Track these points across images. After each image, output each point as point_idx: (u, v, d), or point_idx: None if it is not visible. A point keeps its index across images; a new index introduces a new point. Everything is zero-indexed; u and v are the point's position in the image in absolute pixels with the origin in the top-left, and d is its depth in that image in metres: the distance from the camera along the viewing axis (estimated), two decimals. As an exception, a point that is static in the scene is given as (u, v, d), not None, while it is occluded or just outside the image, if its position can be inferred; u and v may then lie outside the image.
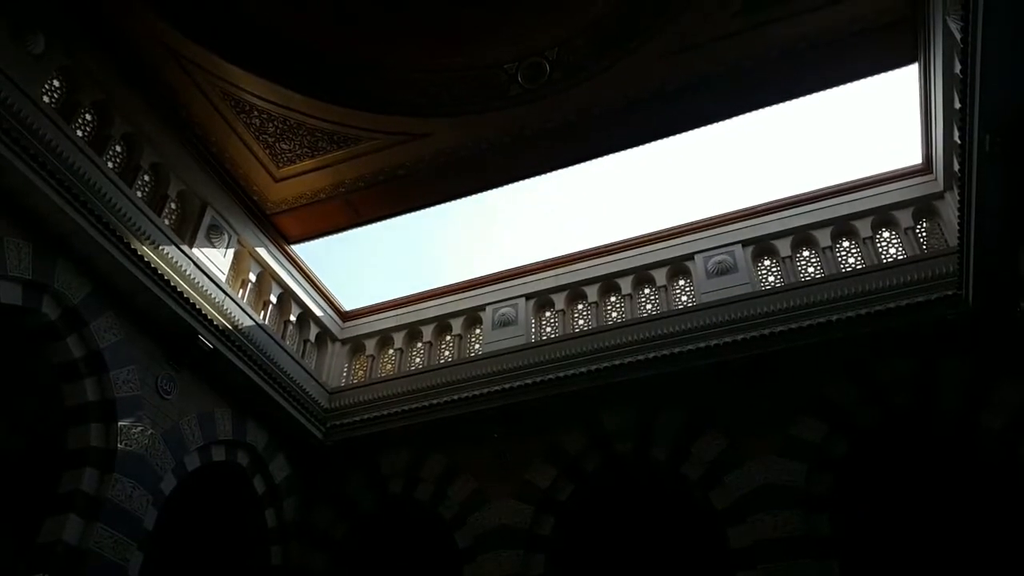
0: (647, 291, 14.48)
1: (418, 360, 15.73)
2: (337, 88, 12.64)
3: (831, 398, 11.65)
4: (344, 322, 16.79)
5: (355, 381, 15.97)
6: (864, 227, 13.23)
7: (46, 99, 10.91)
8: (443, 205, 15.14)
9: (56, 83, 11.28)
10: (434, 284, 16.56)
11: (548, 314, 15.14)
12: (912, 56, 11.88)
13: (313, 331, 15.98)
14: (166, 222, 12.55)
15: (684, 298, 14.05)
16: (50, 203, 9.96)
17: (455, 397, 13.79)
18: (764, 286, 13.36)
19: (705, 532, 12.38)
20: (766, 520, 10.93)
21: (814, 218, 13.60)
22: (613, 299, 14.71)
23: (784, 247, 13.62)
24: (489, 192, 14.83)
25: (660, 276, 14.35)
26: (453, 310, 15.82)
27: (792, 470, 11.22)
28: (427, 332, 15.87)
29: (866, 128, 29.78)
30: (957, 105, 9.15)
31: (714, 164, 30.08)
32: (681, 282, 14.30)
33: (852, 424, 11.51)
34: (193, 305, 11.92)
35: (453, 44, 12.14)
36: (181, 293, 11.74)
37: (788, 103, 12.92)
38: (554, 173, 14.36)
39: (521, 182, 14.56)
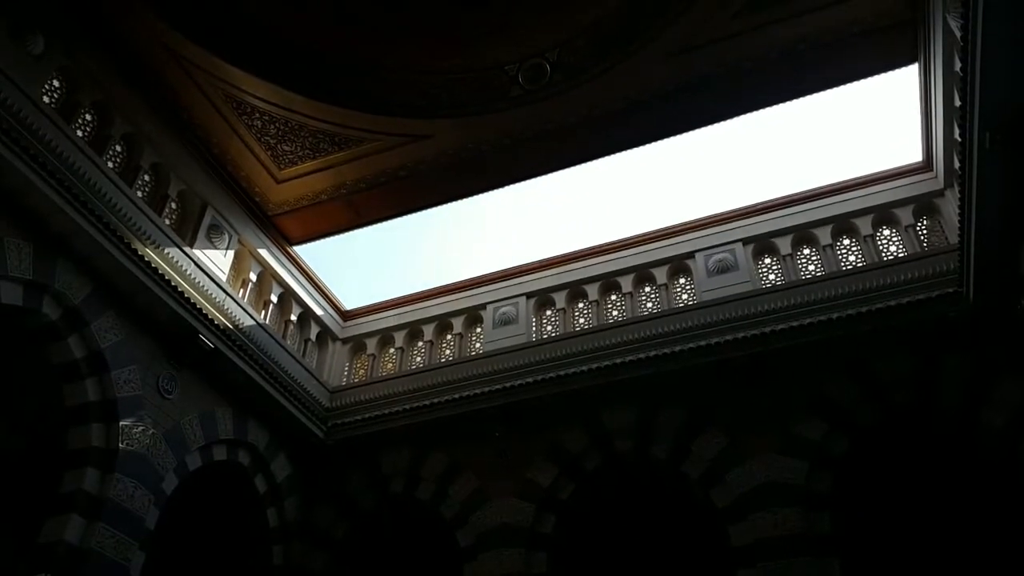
0: (648, 289, 14.48)
1: (419, 359, 15.74)
2: (339, 90, 12.65)
3: (832, 396, 11.65)
4: (345, 321, 16.79)
5: (356, 380, 15.98)
6: (864, 225, 13.22)
7: (46, 99, 10.91)
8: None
9: (56, 83, 11.28)
10: (435, 283, 16.57)
11: (549, 313, 15.15)
12: (912, 56, 11.87)
13: (314, 330, 15.99)
14: (166, 222, 12.55)
15: (685, 296, 14.05)
16: (50, 203, 9.97)
17: (456, 396, 13.79)
18: (764, 284, 13.35)
19: (706, 530, 12.38)
20: (767, 518, 10.94)
21: (814, 216, 13.59)
22: (614, 298, 14.71)
23: (784, 245, 13.61)
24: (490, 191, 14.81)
25: (661, 274, 14.35)
26: (454, 309, 15.82)
27: (793, 468, 11.23)
28: (428, 331, 15.87)
29: (866, 126, 29.79)
30: (957, 103, 9.15)
31: (714, 162, 30.09)
32: (682, 280, 14.31)
33: (853, 422, 11.51)
34: (194, 305, 11.92)
35: (454, 45, 12.16)
36: (182, 293, 11.75)
37: (788, 103, 12.91)
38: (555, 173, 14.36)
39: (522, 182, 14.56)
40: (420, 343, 15.94)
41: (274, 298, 15.02)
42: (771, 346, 11.95)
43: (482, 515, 12.82)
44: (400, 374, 15.28)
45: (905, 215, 13.00)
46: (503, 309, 15.18)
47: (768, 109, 13.03)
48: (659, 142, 13.67)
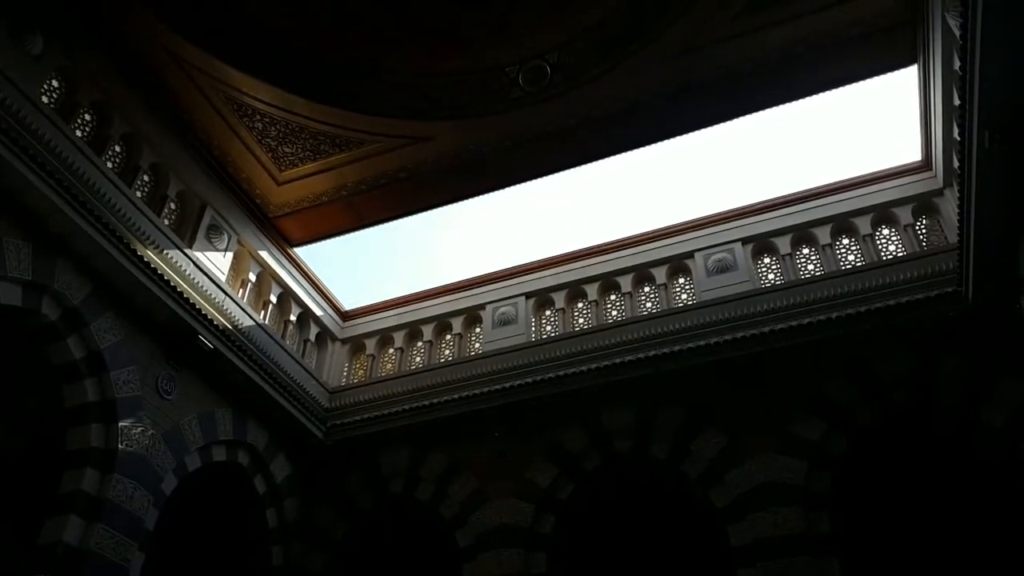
0: (647, 289, 14.48)
1: (418, 359, 15.74)
2: (339, 92, 12.66)
3: (831, 396, 11.65)
4: (344, 322, 16.79)
5: (355, 381, 15.97)
6: (864, 224, 13.22)
7: (45, 99, 10.90)
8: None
9: (55, 83, 11.27)
10: (434, 283, 16.57)
11: (548, 313, 15.15)
12: (911, 58, 11.87)
13: (313, 331, 15.98)
14: (165, 222, 12.55)
15: (684, 296, 14.05)
16: (49, 203, 9.96)
17: (455, 396, 13.79)
18: (764, 284, 13.36)
19: (705, 530, 12.38)
20: (766, 518, 10.94)
21: (814, 215, 13.59)
22: (613, 297, 14.71)
23: (784, 245, 13.61)
24: (489, 191, 14.81)
25: (660, 274, 14.35)
26: (453, 309, 15.82)
27: (792, 468, 11.23)
28: (427, 331, 15.87)
29: (865, 125, 29.79)
30: (956, 102, 9.15)
31: (714, 162, 30.09)
32: (681, 280, 14.30)
33: (852, 422, 11.51)
34: (193, 305, 11.92)
35: (454, 47, 12.19)
36: (181, 293, 11.74)
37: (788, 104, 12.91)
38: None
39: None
40: (419, 343, 15.94)
41: (273, 298, 15.01)
42: (770, 346, 11.95)
43: (481, 515, 12.82)
44: (399, 374, 15.28)
45: (904, 214, 13.00)
46: (502, 309, 15.18)
47: (767, 110, 13.02)
48: (659, 143, 13.68)
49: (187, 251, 12.49)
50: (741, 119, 13.18)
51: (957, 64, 8.57)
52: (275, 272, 15.00)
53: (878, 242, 13.06)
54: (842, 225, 13.41)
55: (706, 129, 13.38)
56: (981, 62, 7.80)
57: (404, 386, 14.68)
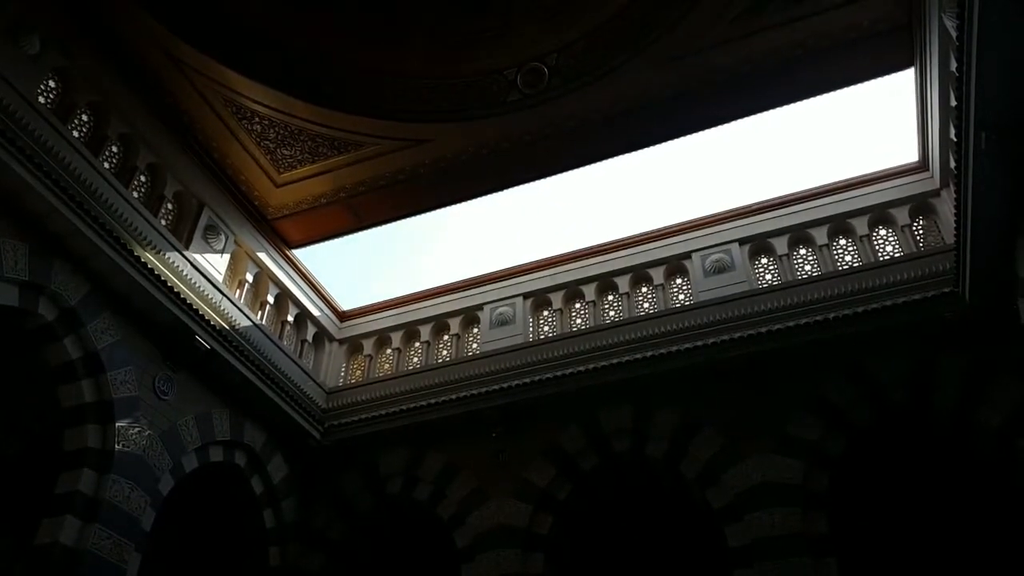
0: (644, 290, 14.49)
1: (416, 360, 15.73)
2: (338, 95, 12.68)
3: (828, 396, 11.66)
4: (342, 322, 16.77)
5: (353, 381, 15.96)
6: (861, 225, 13.24)
7: (42, 100, 10.88)
8: (441, 207, 15.14)
9: (52, 84, 11.26)
10: (432, 284, 16.57)
11: (546, 313, 15.15)
12: (908, 61, 11.89)
13: (311, 331, 15.97)
14: (163, 222, 12.53)
15: (681, 297, 14.06)
16: (46, 204, 9.94)
17: (453, 396, 13.78)
18: (761, 284, 13.37)
19: (703, 530, 12.38)
20: (763, 518, 10.94)
21: (811, 216, 13.61)
22: (610, 298, 14.71)
23: (781, 245, 13.63)
24: (486, 192, 14.81)
25: (657, 275, 14.36)
26: (451, 309, 15.81)
27: (790, 468, 11.23)
28: (425, 332, 15.86)
29: (862, 126, 29.83)
30: (953, 103, 9.16)
31: (711, 163, 30.12)
32: (678, 281, 14.31)
33: (849, 422, 11.52)
34: (190, 306, 11.90)
35: (453, 50, 12.25)
36: (178, 294, 11.72)
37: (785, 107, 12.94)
38: (552, 174, 14.34)
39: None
40: (417, 344, 15.93)
41: (270, 299, 15.00)
42: (767, 346, 11.96)
43: (479, 515, 12.80)
44: (397, 375, 15.27)
45: (901, 215, 13.02)
46: (500, 309, 15.18)
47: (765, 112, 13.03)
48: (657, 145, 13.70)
49: (184, 251, 12.48)
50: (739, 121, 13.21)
51: (954, 65, 8.59)
52: (272, 273, 14.98)
53: (875, 243, 13.08)
54: (839, 226, 13.43)
55: (704, 131, 13.41)
56: (978, 63, 7.82)
57: (402, 386, 14.67)
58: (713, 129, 13.37)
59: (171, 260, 12.05)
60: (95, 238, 10.52)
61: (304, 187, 14.29)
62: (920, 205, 13.01)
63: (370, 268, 33.90)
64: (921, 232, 12.92)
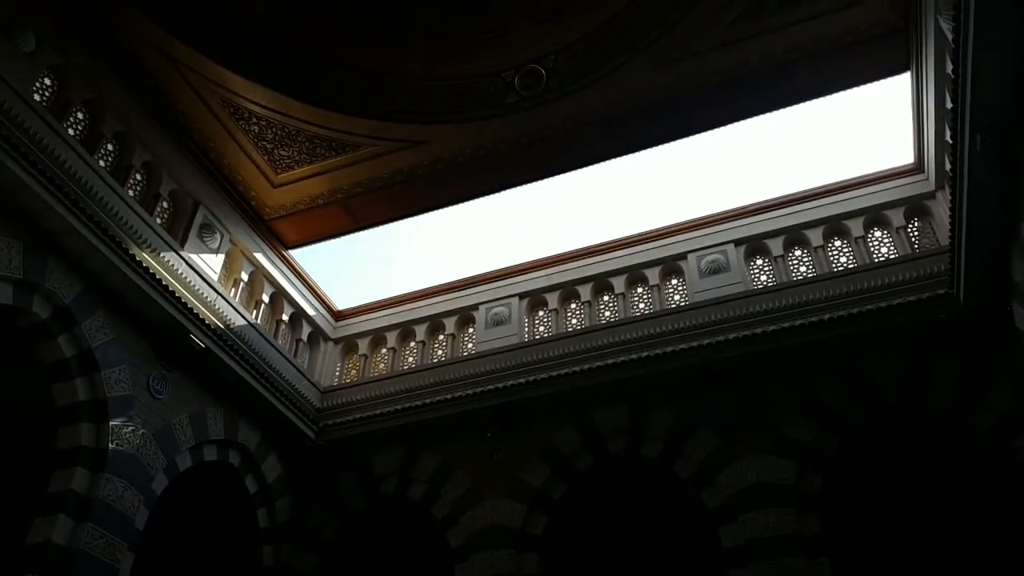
0: (640, 290, 14.49)
1: (411, 359, 15.71)
2: (337, 95, 12.66)
3: (822, 397, 11.68)
4: (337, 321, 16.75)
5: (348, 381, 15.93)
6: (856, 226, 13.26)
7: (37, 97, 10.84)
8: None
9: (47, 81, 11.20)
10: (427, 283, 16.55)
11: (541, 313, 15.15)
12: (904, 64, 11.91)
13: (306, 330, 15.94)
14: (158, 221, 12.50)
15: (677, 297, 14.07)
16: (41, 202, 9.91)
17: (448, 396, 13.77)
18: (756, 285, 13.39)
19: (697, 531, 12.39)
20: (758, 519, 10.95)
21: (806, 217, 13.63)
22: (606, 298, 14.72)
23: (776, 246, 13.65)
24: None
25: (653, 275, 14.36)
26: (446, 309, 15.79)
27: (784, 469, 11.25)
28: (420, 331, 15.85)
29: (858, 128, 29.87)
30: (949, 105, 9.19)
31: (707, 164, 30.14)
32: (674, 281, 14.32)
33: (843, 423, 11.54)
34: (185, 304, 11.87)
35: (452, 52, 12.26)
36: (173, 292, 11.69)
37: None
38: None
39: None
40: (412, 343, 15.92)
41: (265, 298, 14.96)
42: (762, 347, 11.98)
43: (474, 515, 12.79)
44: (392, 374, 15.25)
45: (896, 217, 13.04)
46: (495, 310, 15.17)
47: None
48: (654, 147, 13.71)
49: (179, 250, 12.44)
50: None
51: (949, 67, 8.61)
52: (267, 271, 14.95)
53: (870, 244, 13.10)
54: (834, 227, 13.45)
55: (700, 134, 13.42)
56: (973, 65, 7.83)
57: (397, 386, 14.65)
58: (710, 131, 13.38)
59: (166, 259, 12.01)
60: (90, 236, 10.49)
61: (301, 187, 14.26)
62: (915, 207, 13.04)
63: (366, 268, 33.87)
64: (916, 234, 12.95)
